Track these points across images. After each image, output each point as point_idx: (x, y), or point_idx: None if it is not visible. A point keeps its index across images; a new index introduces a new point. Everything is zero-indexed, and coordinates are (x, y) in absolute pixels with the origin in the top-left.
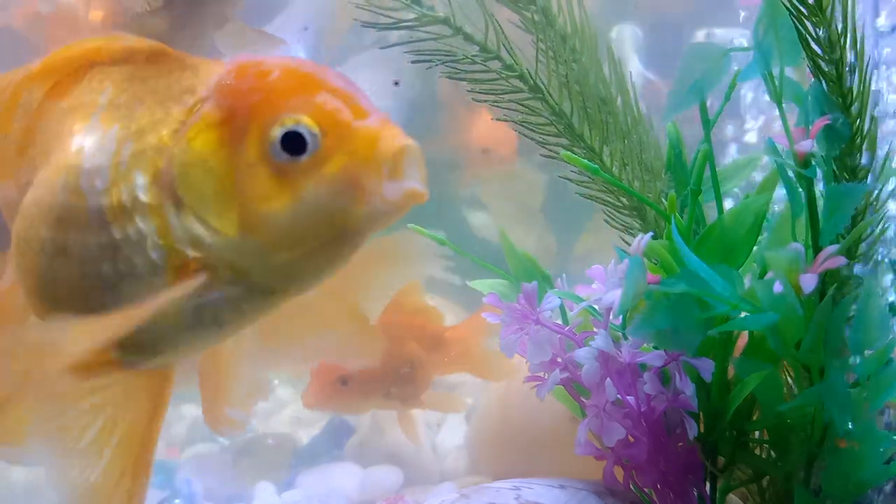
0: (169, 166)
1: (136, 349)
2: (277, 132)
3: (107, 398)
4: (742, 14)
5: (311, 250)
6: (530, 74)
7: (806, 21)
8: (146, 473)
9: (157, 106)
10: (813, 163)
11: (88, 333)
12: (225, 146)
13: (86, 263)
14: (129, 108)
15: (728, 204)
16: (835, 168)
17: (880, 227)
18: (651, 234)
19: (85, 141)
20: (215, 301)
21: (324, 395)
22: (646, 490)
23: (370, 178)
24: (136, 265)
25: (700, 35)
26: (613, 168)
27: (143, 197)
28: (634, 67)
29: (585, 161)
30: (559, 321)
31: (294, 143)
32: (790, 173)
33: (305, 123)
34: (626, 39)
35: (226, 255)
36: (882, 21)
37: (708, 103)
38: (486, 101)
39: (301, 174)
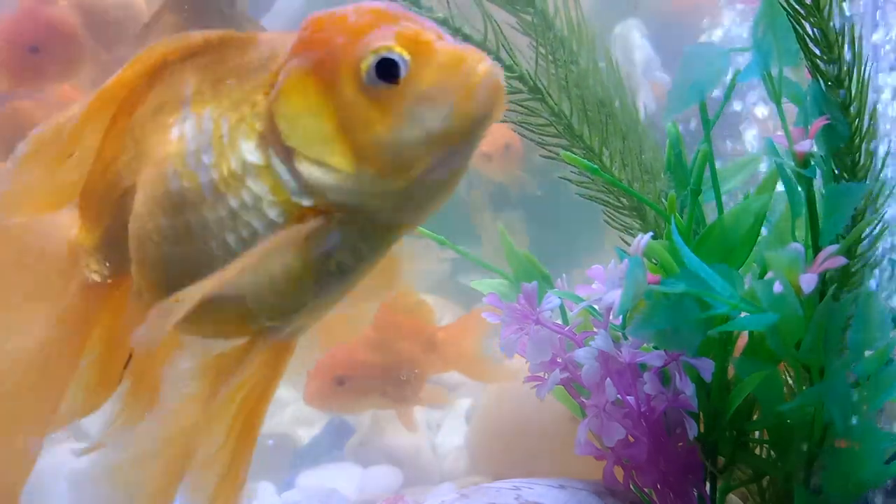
0: (271, 125)
1: (273, 315)
2: (370, 61)
3: (237, 367)
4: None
5: (422, 176)
6: (529, 75)
7: (804, 21)
8: (253, 445)
9: (244, 79)
10: (812, 162)
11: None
12: (321, 91)
13: (209, 240)
14: (216, 89)
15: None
16: (834, 167)
17: (880, 226)
18: (651, 234)
19: (183, 128)
20: (335, 247)
21: (321, 395)
22: (646, 490)
23: (461, 87)
24: (256, 229)
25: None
26: (613, 168)
27: (253, 159)
28: (641, 55)
29: (585, 161)
30: (559, 321)
31: (387, 69)
32: (790, 173)
33: (395, 49)
34: (632, 28)
35: (343, 193)
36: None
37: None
38: None
39: (399, 97)
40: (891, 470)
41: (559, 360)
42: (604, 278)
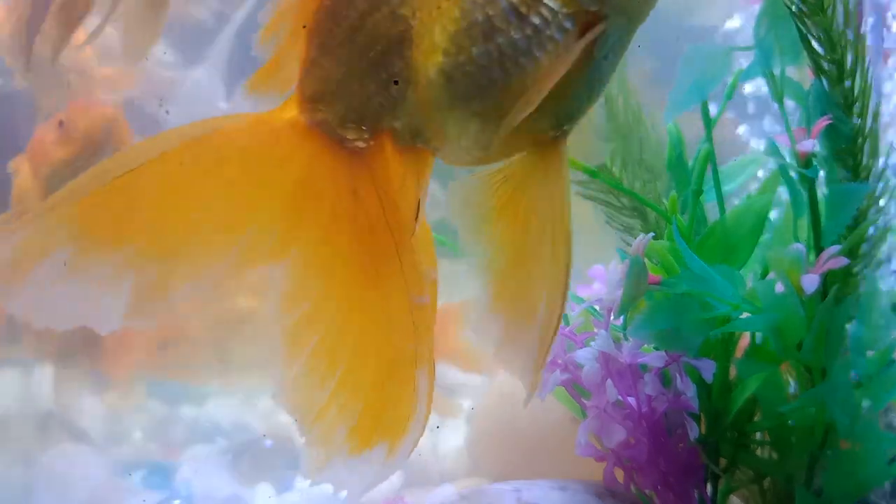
0: None
1: (563, 120)
2: None
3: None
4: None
5: None
6: None
7: (807, 20)
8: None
9: None
10: (814, 163)
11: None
12: None
13: (518, 60)
14: None
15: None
16: (836, 168)
17: (882, 226)
18: (652, 234)
19: None
20: (611, 47)
21: None
22: (646, 491)
23: None
24: (557, 40)
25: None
26: (613, 168)
27: None
28: None
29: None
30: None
31: None
32: (792, 173)
33: None
34: None
35: None
36: None
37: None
38: None
39: None
40: (892, 471)
41: (560, 360)
42: (605, 278)
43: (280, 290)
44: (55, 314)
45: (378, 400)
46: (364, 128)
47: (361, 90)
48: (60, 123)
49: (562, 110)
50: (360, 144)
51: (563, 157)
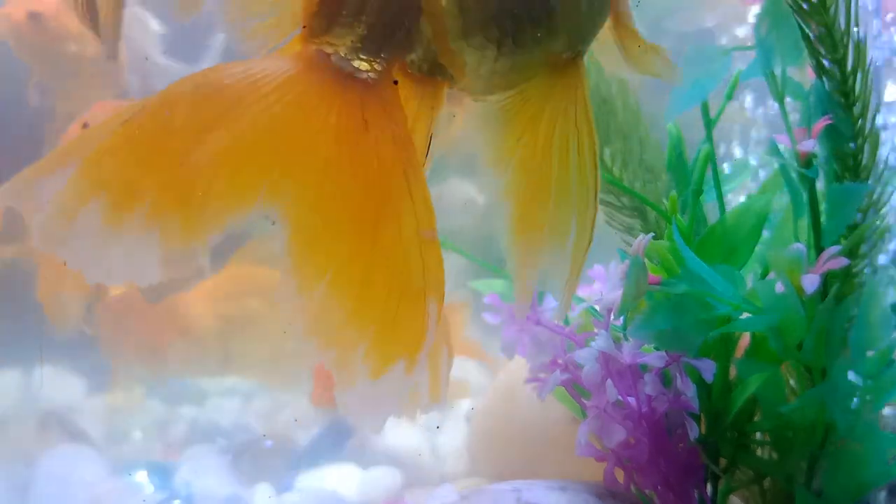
0: None
1: (580, 40)
2: None
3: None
4: None
5: None
6: None
7: (808, 20)
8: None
9: None
10: (815, 163)
11: None
12: None
13: None
14: None
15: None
16: (836, 168)
17: (883, 226)
18: (652, 234)
19: None
20: None
21: (326, 395)
22: (647, 492)
23: None
24: None
25: None
26: (614, 168)
27: None
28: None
29: None
30: (560, 322)
31: None
32: (792, 173)
33: None
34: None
35: None
36: None
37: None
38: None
39: None
40: (892, 471)
41: (560, 360)
42: (605, 278)
43: (292, 224)
44: (101, 267)
45: (392, 323)
46: (376, 59)
47: (372, 21)
48: (85, 125)
49: (573, 30)
50: (372, 76)
51: (581, 75)
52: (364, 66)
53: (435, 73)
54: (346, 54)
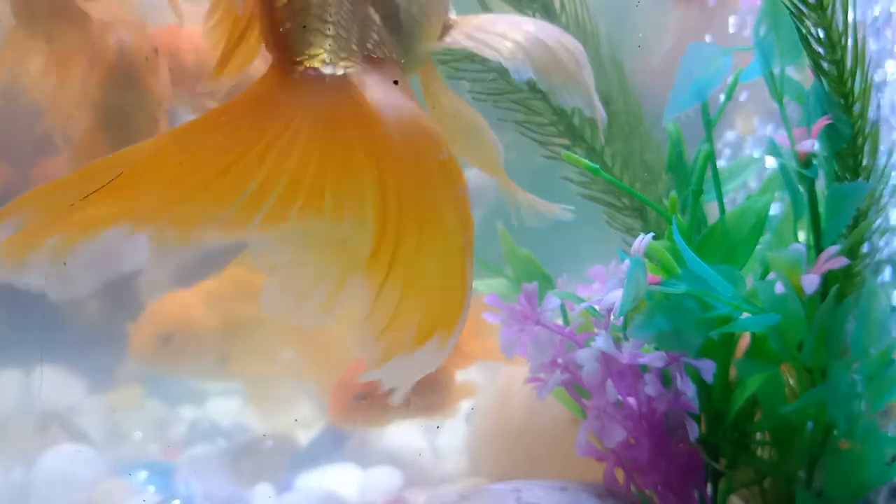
0: None
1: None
2: None
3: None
4: None
5: None
6: None
7: (807, 20)
8: None
9: None
10: (814, 163)
11: None
12: None
13: None
14: None
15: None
16: (836, 168)
17: (881, 226)
18: (652, 234)
19: None
20: None
21: (343, 412)
22: (647, 492)
23: None
24: None
25: None
26: (615, 168)
27: None
28: None
29: (587, 161)
30: (560, 322)
31: None
32: (792, 173)
33: None
34: None
35: None
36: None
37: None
38: (486, 100)
39: None
40: (892, 471)
41: (560, 361)
42: (605, 279)
43: (357, 232)
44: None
45: (439, 294)
46: (347, 61)
47: (341, 27)
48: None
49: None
50: (350, 73)
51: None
52: (341, 68)
53: (392, 55)
54: (324, 59)
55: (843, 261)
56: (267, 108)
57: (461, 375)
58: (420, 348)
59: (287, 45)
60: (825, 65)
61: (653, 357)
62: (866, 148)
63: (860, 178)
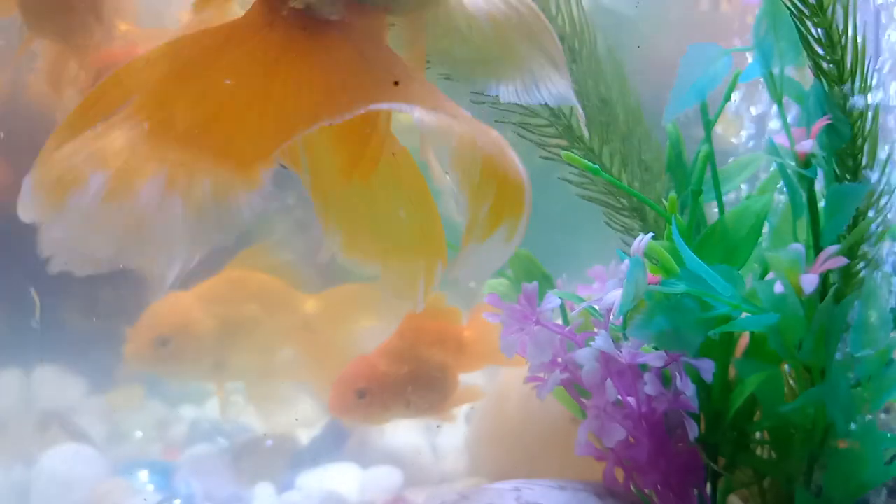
0: None
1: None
2: None
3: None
4: None
5: None
6: None
7: (807, 21)
8: None
9: None
10: (814, 163)
11: None
12: None
13: None
14: None
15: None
16: (836, 168)
17: (881, 226)
18: (651, 234)
19: None
20: None
21: (343, 408)
22: (646, 491)
23: None
24: None
25: None
26: (613, 169)
27: None
28: None
29: (586, 161)
30: (560, 321)
31: None
32: (791, 174)
33: None
34: None
35: None
36: None
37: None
38: (483, 101)
39: None
40: (891, 470)
41: (559, 360)
42: (604, 278)
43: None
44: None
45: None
46: (332, 6)
47: None
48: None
49: None
50: (334, 17)
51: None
52: (325, 11)
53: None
54: (309, 4)
55: (842, 261)
56: (251, 45)
57: (464, 378)
58: (489, 238)
59: None
60: (825, 65)
61: (652, 356)
62: (866, 148)
63: (859, 179)
